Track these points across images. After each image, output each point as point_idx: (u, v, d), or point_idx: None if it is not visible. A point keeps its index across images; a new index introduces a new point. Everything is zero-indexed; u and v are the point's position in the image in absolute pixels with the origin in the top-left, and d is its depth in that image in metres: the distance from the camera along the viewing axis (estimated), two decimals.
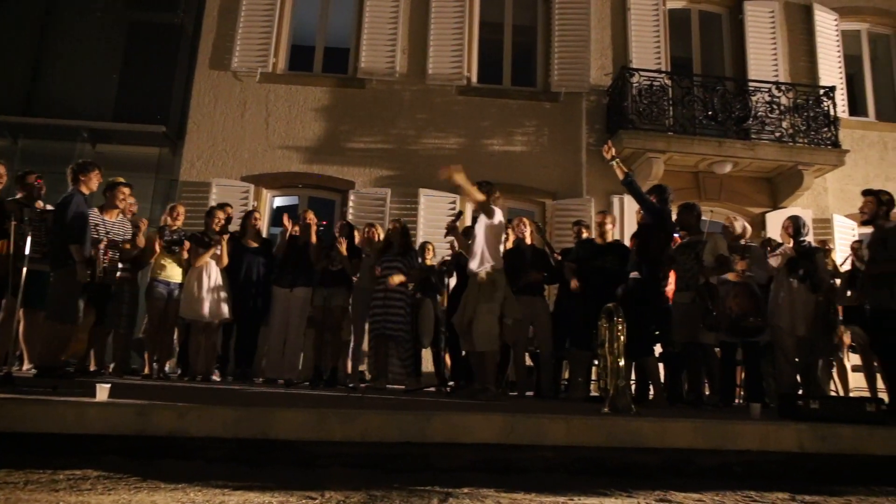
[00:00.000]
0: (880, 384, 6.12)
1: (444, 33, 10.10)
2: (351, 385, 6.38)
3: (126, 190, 5.99)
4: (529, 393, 6.45)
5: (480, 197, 5.16)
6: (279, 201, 10.04)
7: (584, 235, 6.71)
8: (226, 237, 6.59)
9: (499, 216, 5.35)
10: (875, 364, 6.38)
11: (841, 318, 6.27)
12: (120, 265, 5.97)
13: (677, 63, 10.58)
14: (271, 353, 6.94)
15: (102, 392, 3.26)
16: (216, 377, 6.55)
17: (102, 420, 3.00)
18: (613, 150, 5.38)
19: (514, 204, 9.80)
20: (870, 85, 11.20)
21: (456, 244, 6.34)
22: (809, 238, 6.01)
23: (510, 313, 5.53)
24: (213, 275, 6.45)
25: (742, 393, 6.22)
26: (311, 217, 6.83)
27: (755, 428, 3.51)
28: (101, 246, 5.53)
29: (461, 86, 9.98)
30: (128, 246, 6.05)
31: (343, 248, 6.52)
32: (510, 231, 6.32)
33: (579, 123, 9.91)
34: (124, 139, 9.79)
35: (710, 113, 9.39)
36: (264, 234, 7.61)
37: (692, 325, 5.49)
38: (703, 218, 5.99)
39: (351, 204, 9.44)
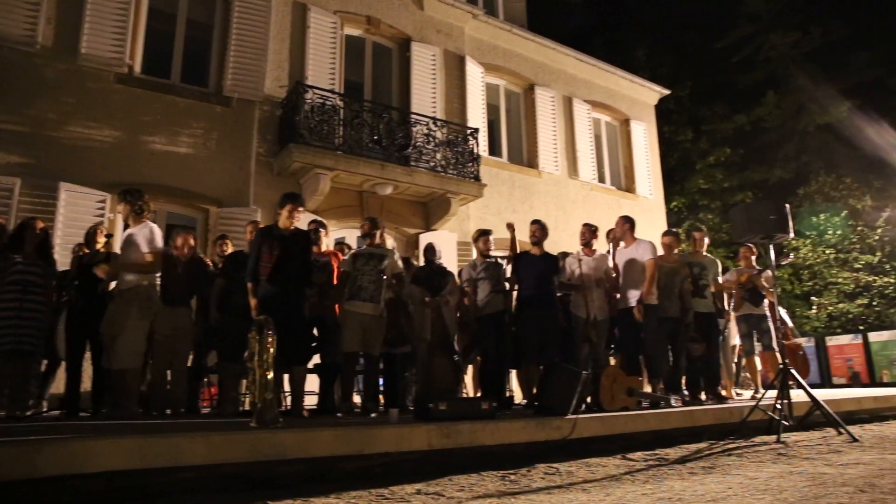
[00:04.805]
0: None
1: (104, 11, 8.94)
2: None
3: None
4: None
5: None
6: None
7: (229, 249, 6.73)
8: None
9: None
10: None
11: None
12: None
13: (350, 86, 11.14)
14: None
15: None
16: None
17: None
18: None
19: (176, 209, 9.15)
20: (504, 131, 13.32)
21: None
22: (441, 260, 6.85)
23: (160, 329, 5.53)
24: None
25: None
26: None
27: (392, 431, 3.82)
28: None
29: (121, 73, 8.97)
30: None
31: None
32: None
33: (251, 132, 9.72)
34: None
35: (375, 137, 10.07)
36: None
37: (373, 337, 5.81)
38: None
39: None
